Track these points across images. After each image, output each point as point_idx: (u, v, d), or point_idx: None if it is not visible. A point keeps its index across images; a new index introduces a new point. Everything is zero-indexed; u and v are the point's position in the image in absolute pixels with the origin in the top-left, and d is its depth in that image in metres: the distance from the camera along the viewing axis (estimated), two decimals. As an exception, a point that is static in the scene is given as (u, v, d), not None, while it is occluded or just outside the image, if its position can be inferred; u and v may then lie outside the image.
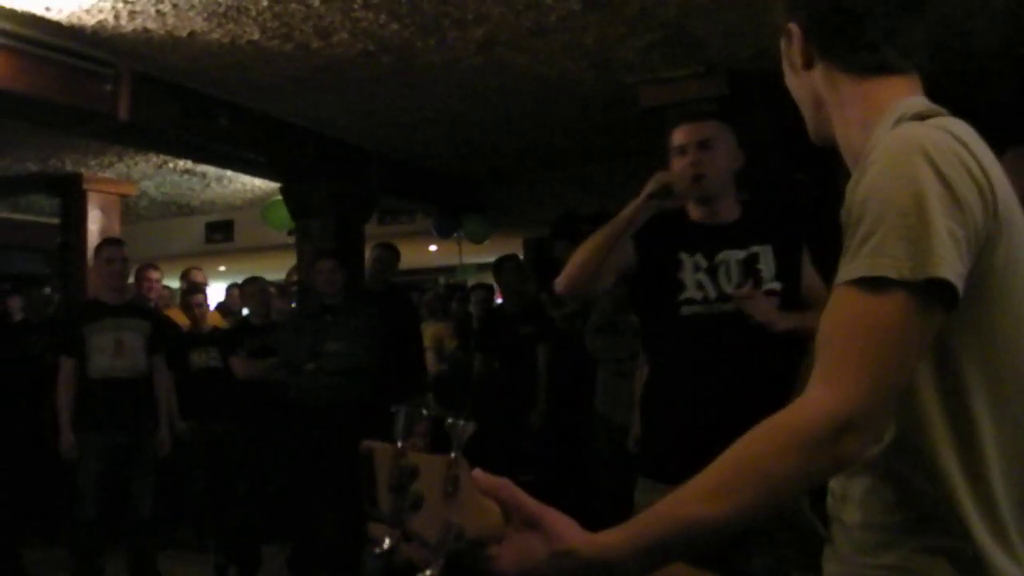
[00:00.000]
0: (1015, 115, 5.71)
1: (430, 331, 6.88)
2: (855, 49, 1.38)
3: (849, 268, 1.19)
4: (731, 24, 5.02)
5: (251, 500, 6.17)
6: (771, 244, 2.94)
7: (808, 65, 1.43)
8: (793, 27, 1.43)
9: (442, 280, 13.18)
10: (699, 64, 5.68)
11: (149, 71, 5.60)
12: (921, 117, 1.30)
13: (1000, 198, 1.23)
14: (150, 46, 5.21)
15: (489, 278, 8.01)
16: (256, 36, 5.09)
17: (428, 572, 1.06)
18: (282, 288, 7.73)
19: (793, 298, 2.89)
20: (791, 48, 1.45)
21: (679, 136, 2.99)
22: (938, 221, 1.16)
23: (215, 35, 5.07)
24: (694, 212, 3.02)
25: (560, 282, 2.95)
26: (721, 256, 2.92)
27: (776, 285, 2.89)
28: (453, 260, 11.64)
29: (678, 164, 2.94)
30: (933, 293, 1.15)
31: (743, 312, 2.82)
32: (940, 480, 1.24)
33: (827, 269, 1.42)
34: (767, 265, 2.91)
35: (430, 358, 6.65)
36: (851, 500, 1.33)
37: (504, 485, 1.15)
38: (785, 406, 1.16)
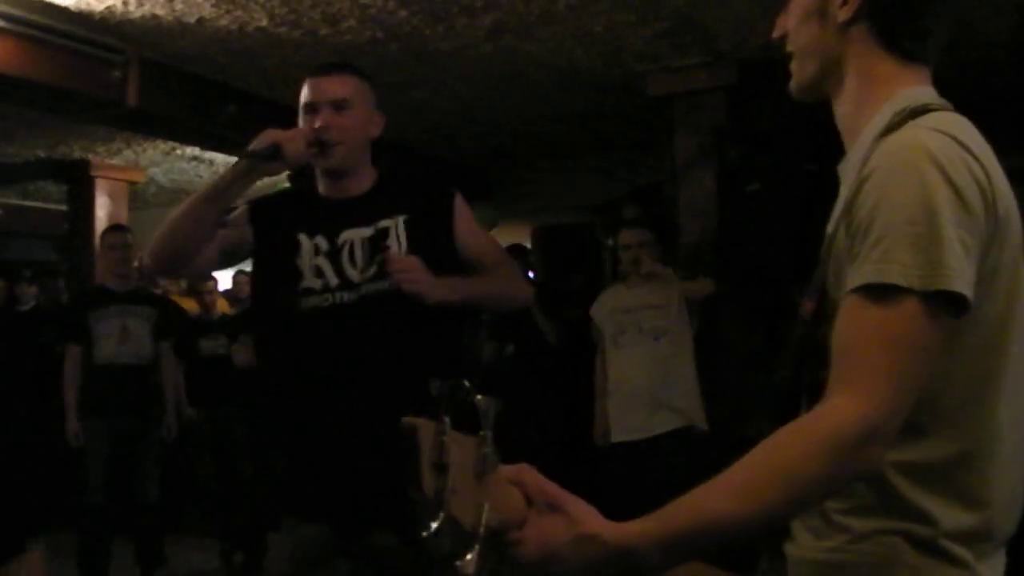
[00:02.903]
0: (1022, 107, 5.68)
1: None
2: (910, 32, 1.34)
3: (858, 274, 1.18)
4: (740, 13, 4.99)
5: (257, 486, 6.18)
6: (404, 215, 2.49)
7: (850, 23, 1.36)
8: None
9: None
10: (708, 53, 5.66)
11: (157, 57, 5.60)
12: (920, 112, 1.28)
13: (1000, 199, 1.23)
14: (158, 32, 5.20)
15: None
16: (264, 23, 5.08)
17: (468, 558, 1.03)
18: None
19: (435, 271, 2.42)
20: None
21: (308, 91, 2.54)
22: (949, 230, 1.15)
23: (223, 22, 5.06)
24: (322, 187, 2.59)
25: (145, 256, 2.53)
26: (345, 236, 2.47)
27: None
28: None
29: (304, 124, 2.51)
30: (945, 302, 1.15)
31: (368, 301, 2.41)
32: (894, 472, 1.24)
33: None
34: (397, 240, 2.47)
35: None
36: None
37: (525, 469, 1.15)
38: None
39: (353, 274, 2.44)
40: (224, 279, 8.18)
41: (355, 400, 2.35)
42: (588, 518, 1.13)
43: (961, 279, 1.15)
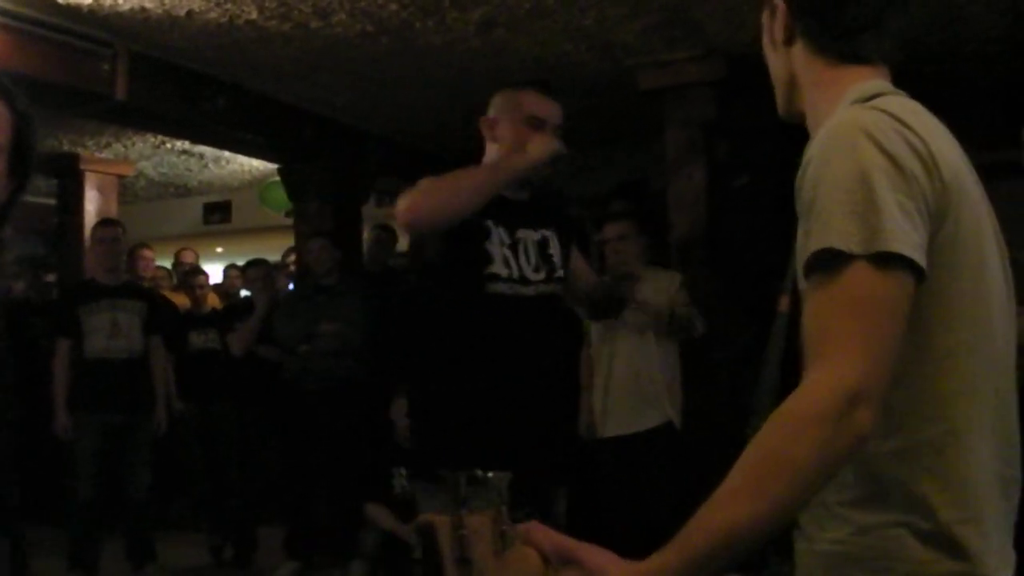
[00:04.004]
0: (1016, 101, 5.69)
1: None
2: (833, 35, 1.40)
3: (805, 252, 1.21)
4: (731, 7, 5.00)
5: (247, 481, 6.18)
6: (556, 230, 2.82)
7: (789, 42, 1.45)
8: (779, 1, 1.45)
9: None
10: (698, 47, 5.66)
11: (147, 50, 5.58)
12: (869, 99, 1.32)
13: (946, 167, 1.25)
14: (147, 25, 5.19)
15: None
16: (254, 16, 5.07)
17: None
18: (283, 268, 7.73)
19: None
20: (774, 22, 1.47)
21: (540, 107, 2.79)
22: (885, 195, 1.18)
23: (213, 15, 5.05)
24: None
25: (410, 210, 2.57)
26: (520, 234, 2.73)
27: (562, 273, 2.80)
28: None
29: (534, 134, 2.72)
30: (894, 265, 1.16)
31: (541, 300, 2.70)
32: (886, 460, 1.25)
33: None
34: (556, 251, 2.80)
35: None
36: None
37: (535, 528, 1.13)
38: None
39: (528, 271, 2.71)
40: (215, 274, 8.18)
41: (521, 384, 2.63)
42: (606, 565, 1.11)
43: (902, 241, 1.17)
